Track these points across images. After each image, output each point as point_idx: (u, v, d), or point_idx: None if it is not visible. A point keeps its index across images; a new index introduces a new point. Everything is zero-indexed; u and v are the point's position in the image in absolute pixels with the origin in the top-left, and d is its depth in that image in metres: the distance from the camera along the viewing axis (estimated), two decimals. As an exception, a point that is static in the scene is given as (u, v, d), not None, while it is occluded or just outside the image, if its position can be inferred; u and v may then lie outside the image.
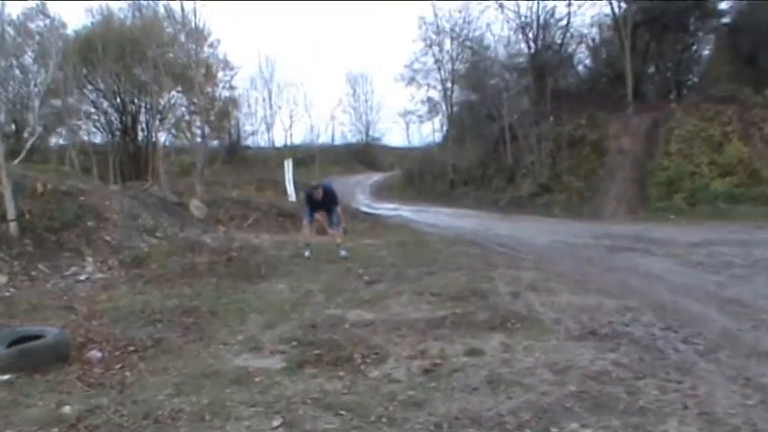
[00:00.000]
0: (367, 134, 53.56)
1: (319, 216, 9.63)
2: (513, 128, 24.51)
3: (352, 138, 54.24)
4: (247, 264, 8.47)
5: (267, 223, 14.79)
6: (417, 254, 9.79)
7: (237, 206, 15.33)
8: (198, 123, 23.44)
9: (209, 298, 6.48)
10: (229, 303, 6.23)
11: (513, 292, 6.37)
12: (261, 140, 44.21)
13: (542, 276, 7.39)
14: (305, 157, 41.58)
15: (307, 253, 9.37)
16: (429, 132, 39.23)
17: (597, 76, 27.80)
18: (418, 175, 34.50)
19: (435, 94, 35.68)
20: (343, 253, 9.31)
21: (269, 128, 40.34)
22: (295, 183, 20.73)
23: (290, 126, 49.36)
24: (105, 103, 29.99)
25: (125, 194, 12.09)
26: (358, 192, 35.54)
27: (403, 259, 9.14)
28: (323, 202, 9.39)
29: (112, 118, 30.28)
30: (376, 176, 43.69)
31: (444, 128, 36.04)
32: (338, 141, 52.58)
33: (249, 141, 44.01)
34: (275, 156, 34.18)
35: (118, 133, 30.24)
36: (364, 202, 29.74)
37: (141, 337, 5.03)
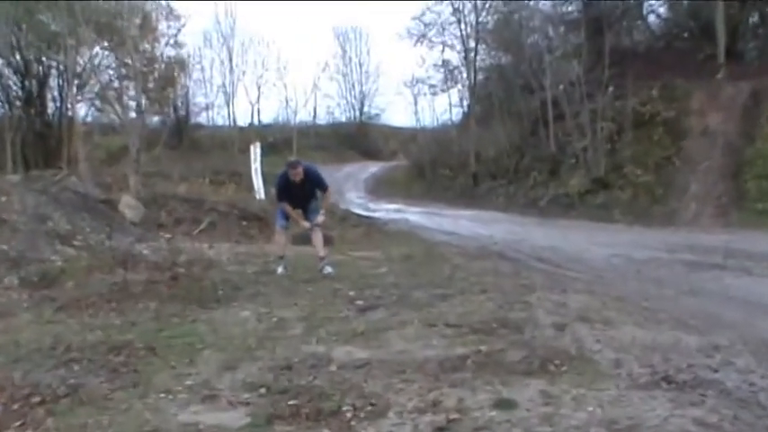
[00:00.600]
0: (361, 111, 53.82)
1: (297, 216, 9.65)
2: (559, 102, 24.57)
3: (342, 115, 54.53)
4: (199, 283, 8.48)
5: (226, 229, 14.82)
6: (428, 271, 9.81)
7: (186, 206, 15.37)
8: (131, 92, 23.44)
9: (147, 329, 6.47)
10: (174, 337, 6.22)
11: (558, 324, 6.37)
12: (218, 117, 44.27)
13: (597, 302, 7.39)
14: (278, 140, 41.54)
15: (280, 269, 9.45)
16: (445, 108, 39.39)
17: (675, 30, 27.61)
18: (430, 165, 34.72)
19: (453, 57, 35.92)
20: (328, 269, 9.36)
21: (229, 101, 40.39)
22: (264, 175, 20.77)
23: (258, 99, 49.34)
24: (-1, 62, 27.50)
25: (29, 188, 12.11)
26: (349, 188, 35.72)
27: (409, 278, 9.15)
28: (303, 191, 9.45)
29: (10, 82, 28.30)
30: (373, 167, 43.91)
31: (465, 102, 36.20)
32: (323, 120, 52.81)
33: (202, 118, 44.29)
34: (238, 139, 34.29)
35: (18, 104, 28.32)
36: (357, 202, 29.85)
37: (51, 384, 4.96)
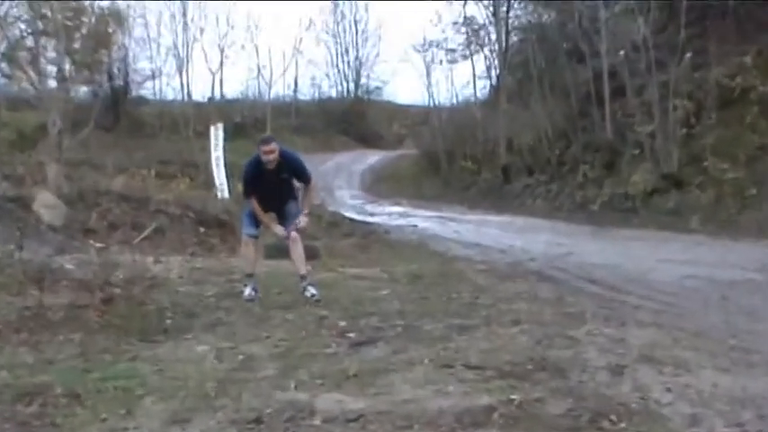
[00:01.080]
0: (357, 83, 54.04)
1: (268, 221, 9.67)
2: (618, 74, 24.58)
3: (332, 89, 54.79)
4: (141, 308, 8.51)
5: (178, 237, 14.85)
6: (443, 294, 9.82)
7: (124, 206, 15.40)
8: (51, 54, 23.31)
9: (69, 370, 6.47)
10: (106, 379, 6.21)
11: (614, 366, 6.36)
12: (167, 90, 44.22)
13: (667, 338, 7.39)
14: (247, 120, 41.65)
15: (247, 291, 9.49)
16: (467, 81, 39.43)
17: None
18: (446, 156, 34.90)
19: (478, 12, 36.00)
20: (311, 291, 9.40)
21: (182, 67, 40.49)
22: (228, 167, 20.77)
23: (221, 66, 49.10)
24: None
25: None
26: (341, 184, 35.82)
27: (417, 303, 9.17)
28: (279, 183, 9.48)
29: None
30: (372, 157, 44.02)
31: (494, 73, 36.26)
32: (306, 95, 53.07)
33: (146, 90, 44.51)
34: (194, 118, 34.30)
35: None
36: (351, 203, 29.92)
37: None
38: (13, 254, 10.64)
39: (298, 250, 9.60)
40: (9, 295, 8.89)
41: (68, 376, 6.23)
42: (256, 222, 9.60)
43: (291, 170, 9.48)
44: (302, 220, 9.56)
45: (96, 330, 7.67)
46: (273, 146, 9.28)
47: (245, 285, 9.62)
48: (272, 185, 9.40)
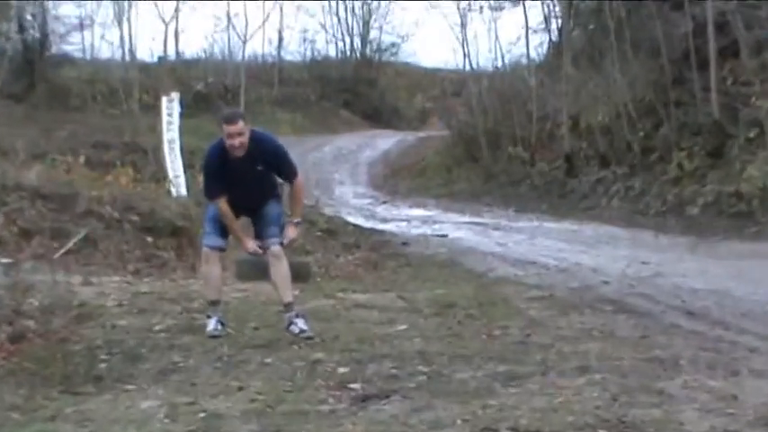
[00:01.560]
0: (364, 40, 53.62)
1: (238, 231, 9.69)
2: (729, 25, 24.47)
3: (329, 46, 54.47)
4: (64, 348, 8.54)
5: (116, 250, 14.87)
6: (482, 331, 9.87)
7: (42, 207, 15.39)
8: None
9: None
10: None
11: (722, 434, 6.36)
12: (102, 46, 43.74)
13: (794, 394, 7.36)
14: (212, 89, 41.40)
15: (212, 324, 9.50)
16: (516, 36, 39.12)
17: None
18: (488, 139, 34.81)
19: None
20: (300, 326, 9.39)
21: (122, 15, 40.44)
22: (184, 153, 20.76)
23: (176, 14, 48.94)
24: None
25: None
26: (342, 178, 35.70)
27: (447, 343, 9.21)
28: (252, 178, 9.45)
29: None
30: (386, 141, 43.90)
31: (555, 24, 36.20)
32: (294, 56, 52.80)
33: (73, 47, 44.38)
34: (140, 84, 34.17)
35: None
36: (356, 204, 29.92)
37: None
38: None
39: (281, 270, 9.56)
40: None
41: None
42: (223, 230, 9.59)
43: (268, 160, 9.44)
44: (290, 232, 9.61)
45: (1, 378, 7.68)
46: (240, 125, 9.21)
47: (209, 317, 9.60)
48: (244, 181, 9.37)
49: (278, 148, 9.63)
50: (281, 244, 9.56)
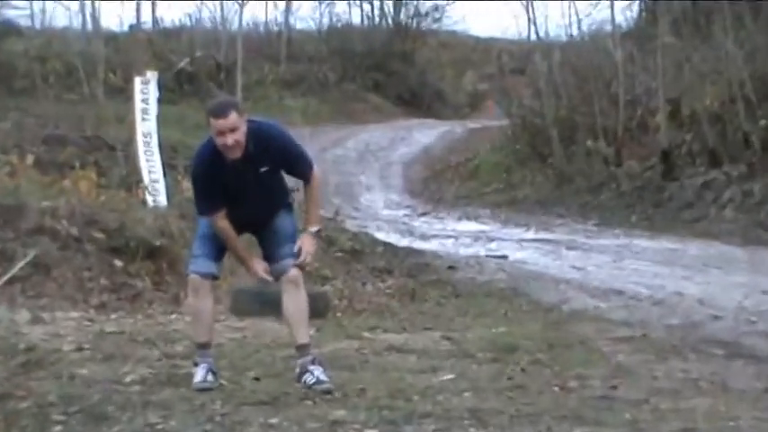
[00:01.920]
0: (398, 4, 53.28)
1: (242, 253, 9.67)
2: None
3: (353, 13, 54.50)
4: (5, 408, 8.48)
5: (75, 277, 14.88)
6: (553, 382, 9.85)
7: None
8: None
9: None
10: None
11: None
12: (57, 12, 43.62)
13: None
14: (200, 66, 41.35)
15: (200, 374, 9.37)
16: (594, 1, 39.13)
17: None
18: (560, 131, 34.70)
19: None
20: (317, 375, 9.30)
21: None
22: (165, 149, 20.82)
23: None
24: None
25: None
26: (369, 182, 35.69)
27: (507, 398, 9.17)
28: (254, 185, 9.25)
29: None
30: (427, 132, 43.90)
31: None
32: (307, 23, 52.82)
33: (19, 13, 44.70)
34: (106, 61, 34.21)
35: None
36: (388, 215, 29.94)
37: None
38: None
39: (298, 301, 9.42)
40: None
41: None
42: (218, 251, 9.49)
43: (274, 158, 9.25)
44: (306, 245, 9.39)
45: None
46: (233, 119, 8.95)
47: (196, 364, 9.48)
48: (245, 190, 9.25)
49: (285, 139, 9.42)
50: (299, 266, 9.45)
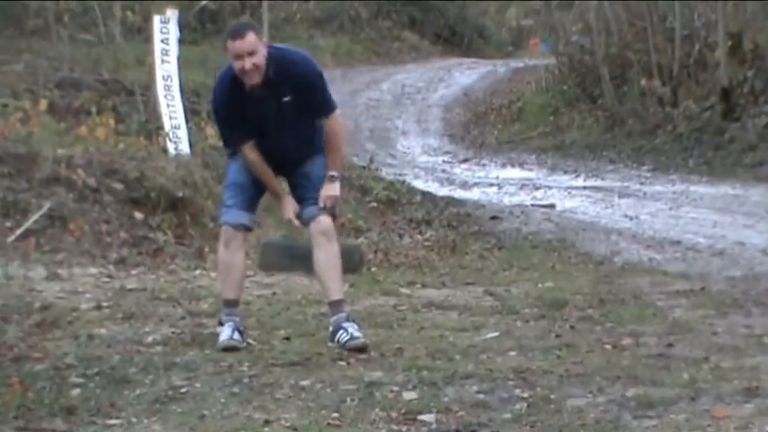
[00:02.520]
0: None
1: (278, 188, 9.65)
2: None
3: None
4: (21, 369, 8.60)
5: (92, 231, 14.93)
6: (605, 339, 9.90)
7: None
8: None
9: None
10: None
11: None
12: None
13: None
14: (225, 3, 41.28)
15: (226, 332, 9.42)
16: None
17: None
18: (611, 69, 34.60)
19: None
20: (351, 331, 9.32)
21: None
22: (188, 92, 20.85)
23: None
24: None
25: None
26: (405, 126, 35.63)
27: (555, 357, 9.25)
28: (284, 117, 9.25)
29: None
30: (467, 73, 43.90)
31: None
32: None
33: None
34: (123, 1, 34.18)
35: None
36: (425, 162, 29.95)
37: None
38: None
39: (330, 254, 9.47)
40: None
41: None
42: (251, 200, 9.50)
43: (297, 86, 9.20)
44: (326, 190, 9.39)
45: (-61, 410, 7.76)
46: (251, 40, 8.99)
47: (221, 323, 9.52)
48: (267, 120, 9.26)
49: (308, 67, 9.37)
50: (329, 214, 9.46)
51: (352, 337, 9.09)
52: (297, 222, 9.52)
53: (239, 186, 9.36)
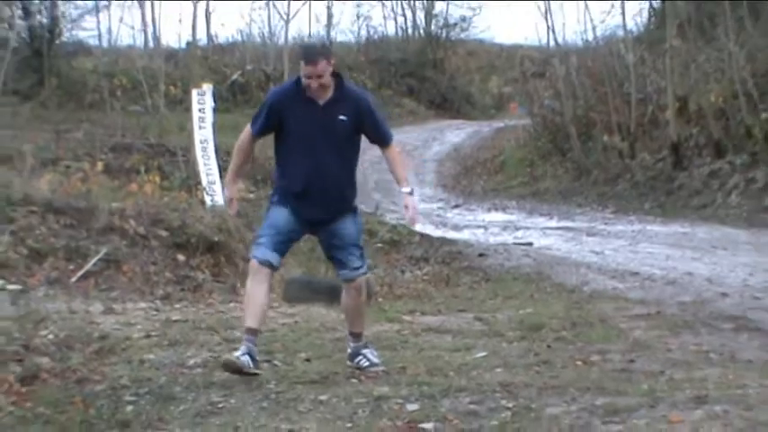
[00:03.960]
0: (429, 14, 53.56)
1: (234, 173, 9.50)
2: None
3: (388, 23, 54.66)
4: (83, 389, 8.61)
5: (142, 272, 14.94)
6: (576, 356, 9.92)
7: (55, 223, 15.51)
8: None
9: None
10: None
11: None
12: (121, 31, 43.91)
13: None
14: (251, 77, 41.41)
15: (239, 351, 9.05)
16: (609, 5, 38.96)
17: None
18: (578, 128, 34.66)
19: None
20: (371, 359, 9.37)
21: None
22: (221, 153, 20.86)
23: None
24: None
25: None
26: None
27: (535, 372, 9.27)
28: (332, 133, 8.89)
29: None
30: (456, 132, 44.01)
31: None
32: (347, 35, 52.95)
33: (87, 33, 44.79)
34: (166, 75, 34.29)
35: None
36: (422, 208, 29.80)
37: None
38: None
39: (358, 302, 9.31)
40: None
41: None
42: (282, 243, 9.07)
43: (357, 111, 8.90)
44: (409, 203, 9.14)
45: (11, 427, 7.74)
46: (322, 67, 8.65)
47: (240, 348, 9.05)
48: (316, 134, 8.82)
49: (370, 97, 9.08)
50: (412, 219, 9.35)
51: (372, 364, 9.02)
52: (233, 211, 9.48)
53: (276, 228, 8.97)
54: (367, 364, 9.01)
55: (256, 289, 8.94)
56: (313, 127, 8.68)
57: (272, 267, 9.05)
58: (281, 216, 8.97)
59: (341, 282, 9.39)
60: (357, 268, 9.00)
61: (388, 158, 9.26)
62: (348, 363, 9.16)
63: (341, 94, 8.67)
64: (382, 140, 9.06)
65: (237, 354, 8.71)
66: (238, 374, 8.28)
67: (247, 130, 9.13)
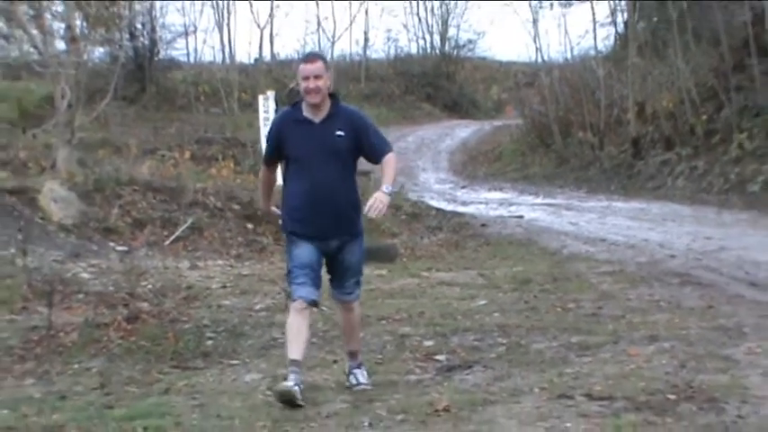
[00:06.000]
0: (443, 37, 53.57)
1: (267, 201, 7.96)
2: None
3: (411, 44, 54.70)
4: (174, 327, 8.65)
5: (220, 237, 15.00)
6: (557, 304, 9.88)
7: (153, 198, 15.54)
8: (58, 8, 23.47)
9: (87, 406, 6.54)
10: (132, 418, 6.22)
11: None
12: (205, 50, 44.07)
13: None
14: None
15: (290, 381, 7.05)
16: (585, 30, 38.64)
17: None
18: (560, 126, 34.56)
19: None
20: (359, 378, 7.53)
21: (222, 22, 40.71)
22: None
23: (271, 19, 49.47)
24: None
25: None
26: (424, 165, 35.53)
27: (524, 316, 9.24)
28: (331, 150, 7.23)
29: None
30: (464, 129, 43.78)
31: (621, 17, 35.87)
32: (379, 53, 52.87)
33: (179, 52, 44.71)
34: (238, 85, 34.34)
35: None
36: (437, 189, 29.81)
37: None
38: (15, 260, 10.80)
39: (352, 321, 7.70)
40: (11, 313, 9.00)
41: (85, 415, 6.29)
42: (317, 278, 7.29)
43: (353, 126, 7.27)
44: (378, 202, 6.96)
45: (119, 356, 7.77)
46: (319, 65, 7.22)
47: (287, 378, 7.11)
48: (314, 150, 7.19)
49: (367, 119, 7.53)
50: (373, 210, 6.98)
51: (359, 383, 7.37)
52: (278, 212, 7.59)
53: (309, 267, 7.24)
54: (355, 382, 7.46)
55: (301, 325, 7.24)
56: (311, 145, 7.23)
57: (316, 304, 7.50)
58: (304, 252, 7.33)
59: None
60: (351, 293, 7.62)
61: (384, 161, 7.39)
62: (346, 381, 7.52)
63: (336, 111, 7.30)
64: (379, 153, 7.38)
65: (290, 384, 6.90)
66: (289, 406, 6.91)
67: (268, 167, 7.77)
